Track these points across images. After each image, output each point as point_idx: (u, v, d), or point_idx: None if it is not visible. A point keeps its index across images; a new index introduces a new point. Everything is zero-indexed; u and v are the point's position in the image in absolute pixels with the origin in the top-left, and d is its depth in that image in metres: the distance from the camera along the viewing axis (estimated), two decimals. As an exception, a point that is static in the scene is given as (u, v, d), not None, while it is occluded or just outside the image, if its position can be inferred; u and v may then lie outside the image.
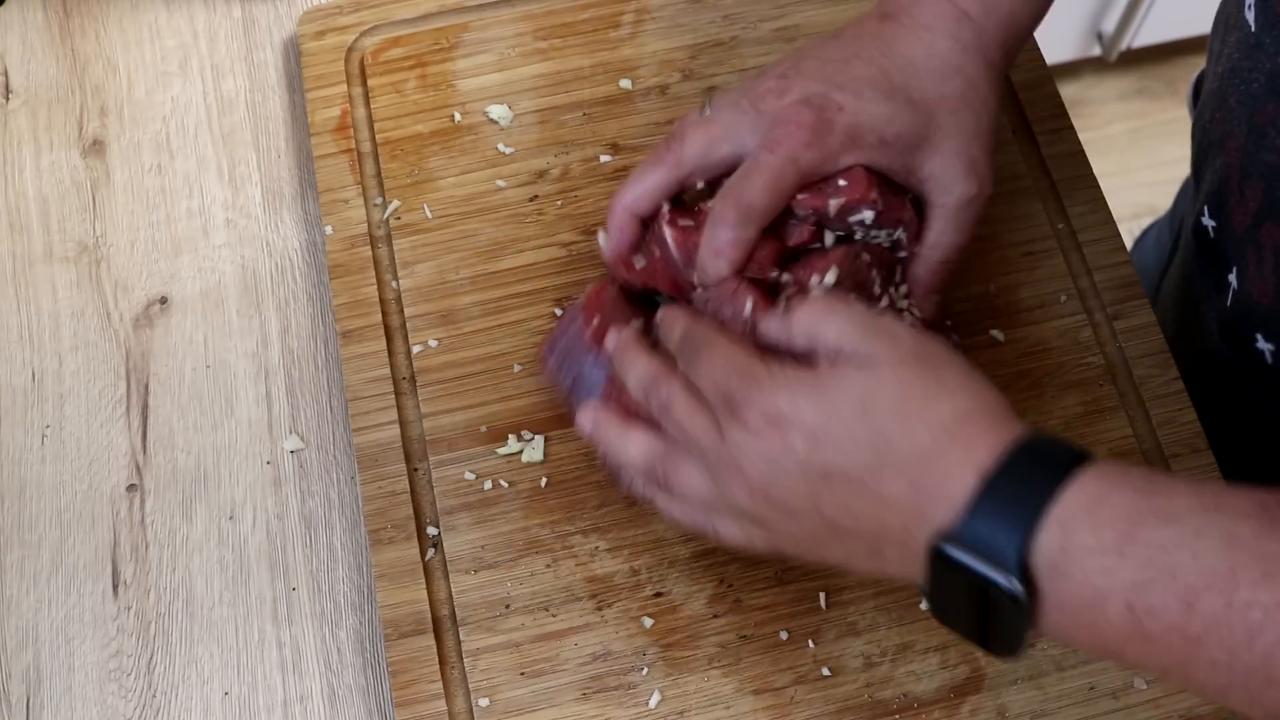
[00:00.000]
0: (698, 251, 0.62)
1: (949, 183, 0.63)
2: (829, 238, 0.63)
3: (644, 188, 0.64)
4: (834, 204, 0.62)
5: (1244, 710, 0.47)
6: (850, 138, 0.61)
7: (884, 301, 0.64)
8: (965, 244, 0.65)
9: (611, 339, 0.63)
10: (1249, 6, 0.65)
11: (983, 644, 0.52)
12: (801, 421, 0.52)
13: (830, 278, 0.61)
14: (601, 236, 0.65)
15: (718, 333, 0.56)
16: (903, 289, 0.65)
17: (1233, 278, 0.69)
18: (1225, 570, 0.45)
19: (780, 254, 0.63)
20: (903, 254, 0.65)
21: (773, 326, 0.57)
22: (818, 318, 0.55)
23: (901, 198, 0.64)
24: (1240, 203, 0.67)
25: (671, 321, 0.59)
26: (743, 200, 0.60)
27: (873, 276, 0.64)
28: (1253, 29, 0.64)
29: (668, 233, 0.64)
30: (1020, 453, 0.49)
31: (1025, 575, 0.48)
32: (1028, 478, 0.49)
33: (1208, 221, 0.72)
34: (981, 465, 0.49)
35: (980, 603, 0.49)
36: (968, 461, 0.50)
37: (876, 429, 0.51)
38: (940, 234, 0.64)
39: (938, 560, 0.50)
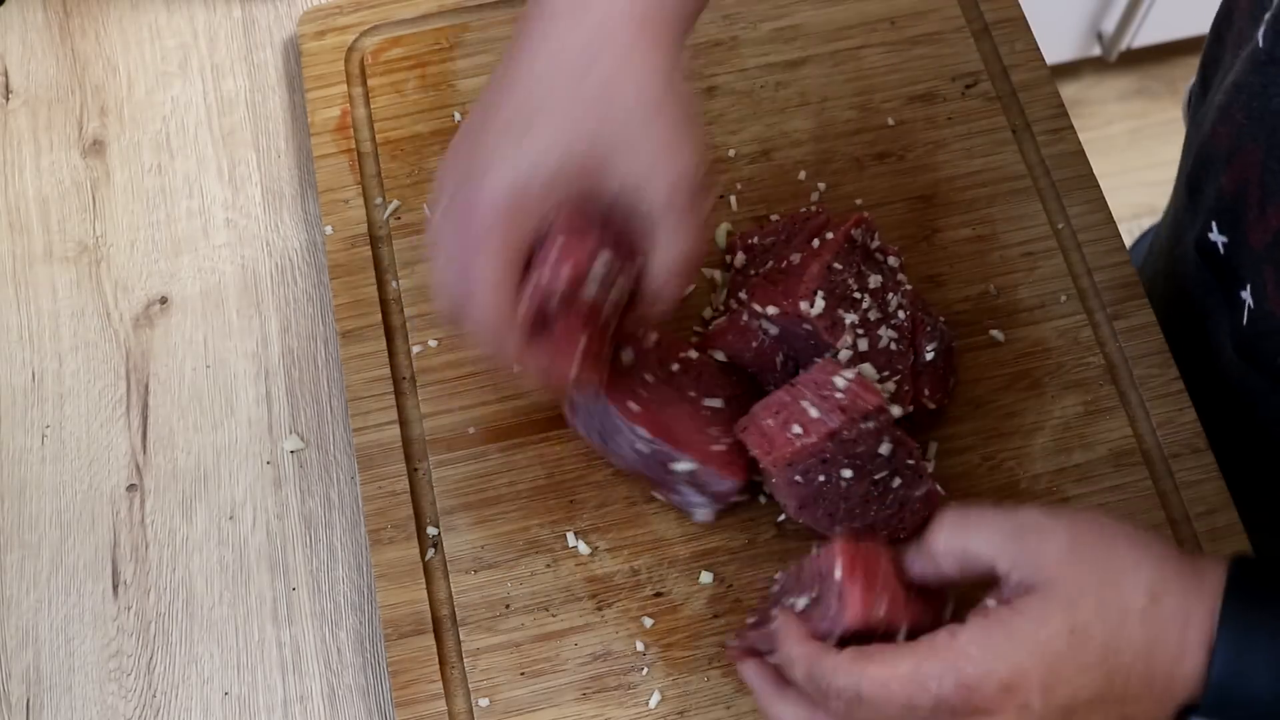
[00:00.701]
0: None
1: (643, 189, 0.55)
2: (818, 305, 0.64)
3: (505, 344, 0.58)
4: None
5: None
6: (517, 202, 0.54)
7: (867, 303, 0.65)
8: (700, 244, 0.57)
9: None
10: (1263, 23, 0.64)
11: None
12: (1028, 679, 0.50)
13: (819, 304, 0.63)
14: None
15: (858, 659, 0.52)
16: (891, 298, 0.66)
17: (1246, 295, 0.69)
18: None
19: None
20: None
21: (916, 562, 0.55)
22: (959, 532, 0.53)
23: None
24: (1260, 220, 0.66)
25: (789, 658, 0.54)
26: (476, 323, 0.56)
27: (851, 285, 0.65)
28: (1262, 44, 0.64)
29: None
30: (1231, 605, 0.49)
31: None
32: (1254, 636, 0.49)
33: (1217, 238, 0.71)
34: (1205, 636, 0.49)
35: None
36: (1188, 634, 0.50)
37: (1095, 649, 0.50)
38: (667, 241, 0.56)
39: None
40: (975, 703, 0.50)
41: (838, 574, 0.54)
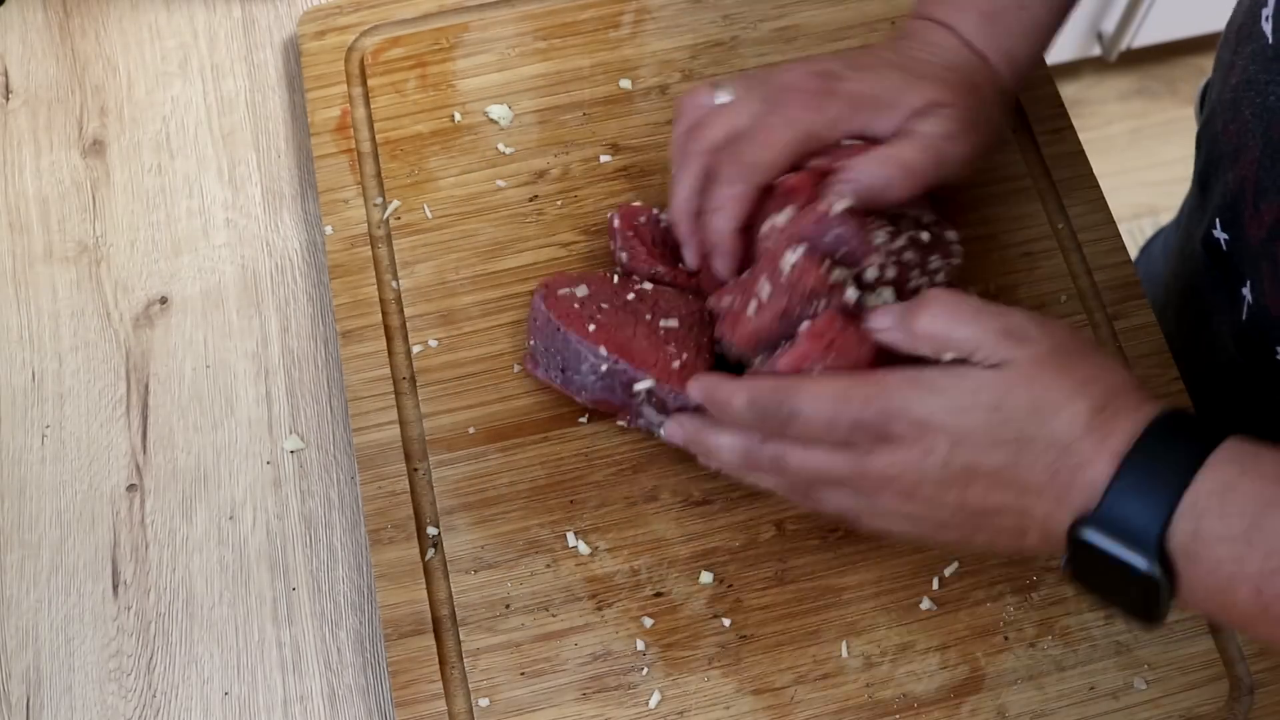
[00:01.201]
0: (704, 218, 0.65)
1: (940, 121, 0.63)
2: (843, 201, 0.63)
3: (684, 190, 0.66)
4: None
5: None
6: (851, 104, 0.63)
7: (902, 242, 0.65)
8: (884, 197, 0.63)
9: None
10: (1266, 19, 0.65)
11: (1124, 614, 0.54)
12: (942, 425, 0.54)
13: (843, 202, 0.63)
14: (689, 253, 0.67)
15: (795, 379, 0.57)
16: (934, 259, 0.66)
17: (1246, 291, 0.69)
18: None
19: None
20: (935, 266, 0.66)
21: (892, 330, 0.57)
22: (946, 320, 0.56)
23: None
24: (1255, 216, 0.67)
25: (726, 391, 0.59)
26: (743, 158, 0.63)
27: (884, 223, 0.65)
28: (1270, 40, 0.64)
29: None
30: (1154, 437, 0.52)
31: (1162, 557, 0.50)
32: (1162, 463, 0.51)
33: (1220, 235, 0.72)
34: (1117, 452, 0.51)
35: (1120, 579, 0.51)
36: (1104, 449, 0.52)
37: (1015, 428, 0.53)
38: (869, 167, 0.63)
39: (1079, 545, 0.52)
40: (888, 430, 0.54)
41: (802, 328, 0.59)
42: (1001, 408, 0.53)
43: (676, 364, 0.65)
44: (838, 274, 0.62)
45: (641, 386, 0.64)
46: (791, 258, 0.61)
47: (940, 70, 0.65)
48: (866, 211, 0.64)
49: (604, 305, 0.67)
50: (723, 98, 0.66)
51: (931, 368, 0.55)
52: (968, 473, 0.54)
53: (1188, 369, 0.73)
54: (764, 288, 0.62)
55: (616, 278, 0.70)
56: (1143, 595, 0.52)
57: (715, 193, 0.64)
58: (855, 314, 0.61)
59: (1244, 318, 0.70)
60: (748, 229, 0.65)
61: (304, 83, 0.79)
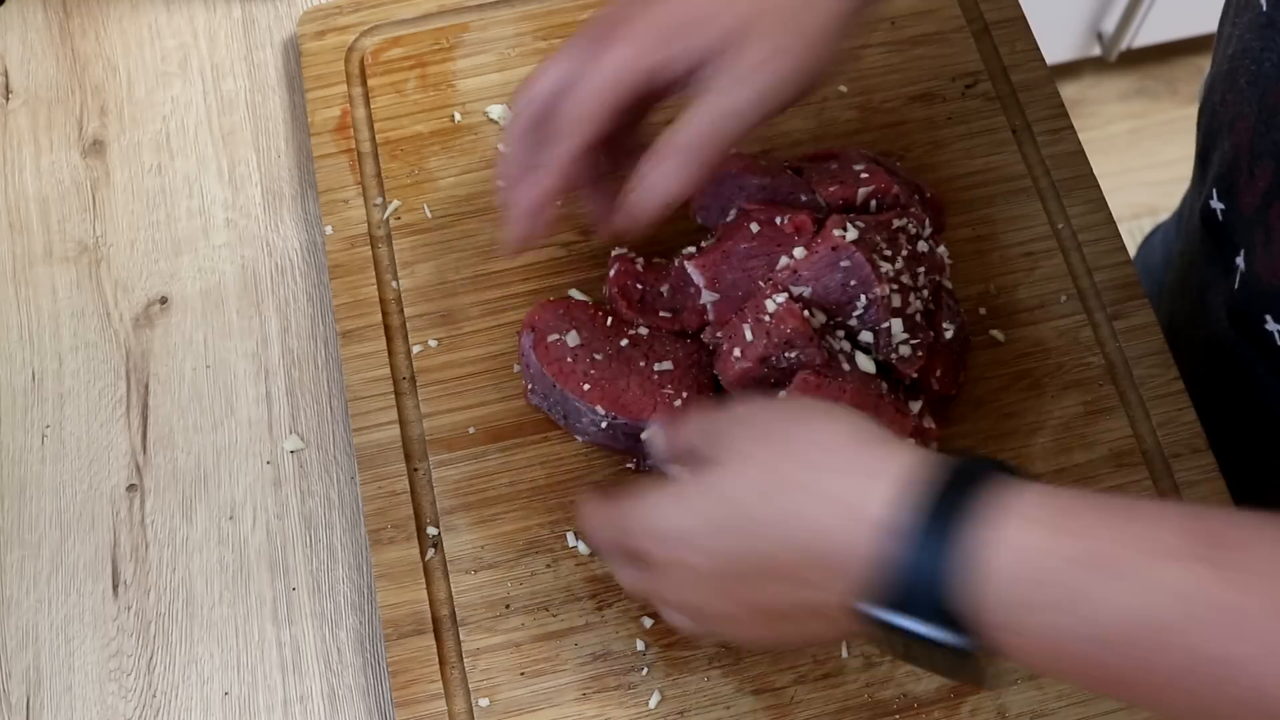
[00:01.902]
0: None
1: (724, 82, 0.58)
2: (851, 231, 0.64)
3: (515, 167, 0.62)
4: (863, 192, 0.66)
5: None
6: (661, 32, 0.58)
7: (899, 264, 0.65)
8: (709, 151, 0.59)
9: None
10: None
11: (954, 677, 0.51)
12: (685, 538, 0.51)
13: (852, 233, 0.64)
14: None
15: (591, 503, 0.57)
16: (920, 271, 0.66)
17: (1240, 260, 0.69)
18: (1181, 625, 0.43)
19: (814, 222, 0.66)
20: (923, 245, 0.67)
21: (655, 453, 0.59)
22: (676, 434, 0.56)
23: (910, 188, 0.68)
24: (1250, 183, 0.66)
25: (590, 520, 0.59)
26: (564, 115, 0.59)
27: (880, 242, 0.65)
28: (1264, 8, 0.64)
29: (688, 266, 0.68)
30: (915, 491, 0.47)
31: (957, 620, 0.46)
32: (933, 532, 0.46)
33: (1216, 205, 0.72)
34: (876, 516, 0.47)
35: (929, 651, 0.48)
36: (860, 514, 0.47)
37: (745, 515, 0.50)
38: (690, 121, 0.58)
39: (865, 619, 0.48)
40: (644, 556, 0.53)
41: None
42: (732, 494, 0.50)
43: (678, 403, 0.65)
44: (819, 319, 0.63)
45: (647, 435, 0.64)
46: (772, 305, 0.63)
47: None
48: (867, 227, 0.65)
49: (596, 356, 0.66)
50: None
51: (673, 486, 0.53)
52: (726, 575, 0.51)
53: (1187, 349, 0.73)
54: (746, 331, 0.63)
55: (609, 318, 0.69)
56: (960, 664, 0.47)
57: (544, 159, 0.60)
58: (835, 366, 0.63)
59: (1236, 287, 0.70)
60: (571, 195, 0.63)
61: (304, 83, 0.79)
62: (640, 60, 0.58)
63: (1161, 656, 0.44)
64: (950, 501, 0.46)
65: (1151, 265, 0.95)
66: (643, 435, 0.64)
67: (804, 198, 0.68)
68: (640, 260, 0.70)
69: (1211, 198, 0.72)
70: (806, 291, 0.65)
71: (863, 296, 0.64)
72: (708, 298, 0.67)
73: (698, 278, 0.68)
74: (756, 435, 0.52)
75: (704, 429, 0.54)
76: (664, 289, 0.69)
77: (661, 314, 0.69)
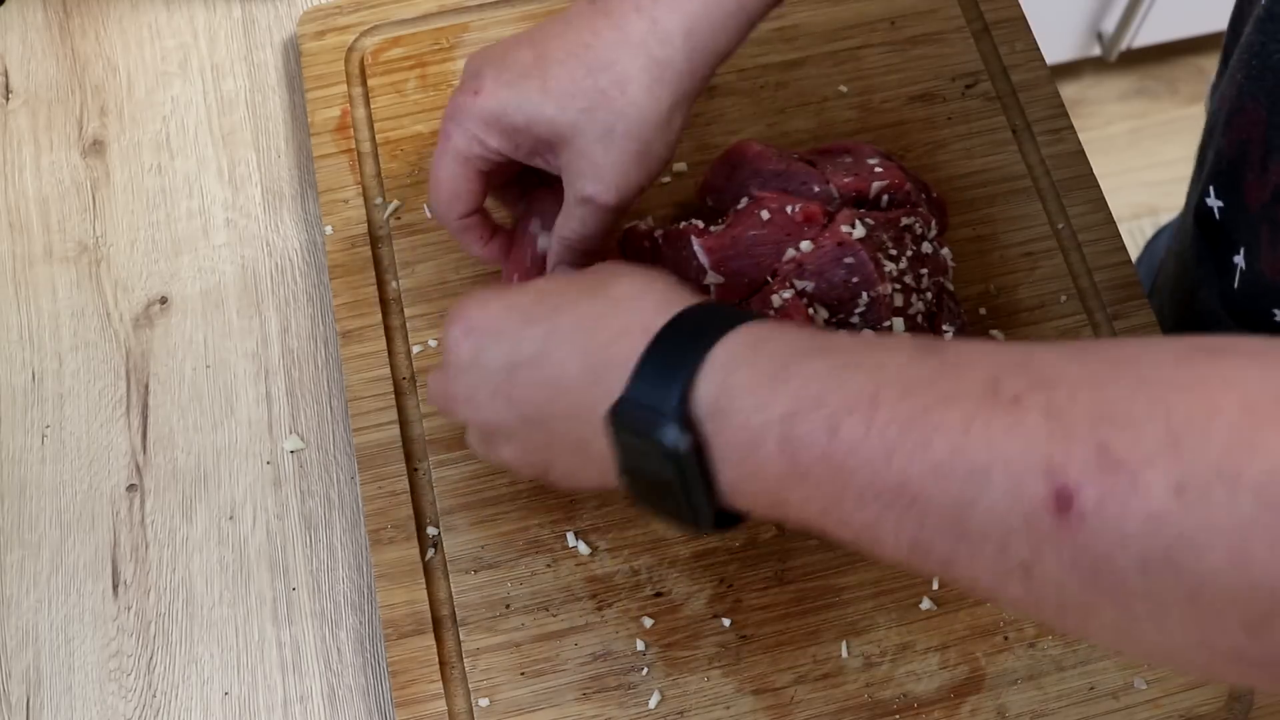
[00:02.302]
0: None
1: (573, 178, 0.61)
2: (859, 229, 0.64)
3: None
4: (876, 186, 0.67)
5: (891, 553, 0.45)
6: (484, 123, 0.61)
7: (903, 264, 0.65)
8: (594, 239, 0.63)
9: None
10: None
11: (681, 519, 0.51)
12: (483, 326, 0.54)
13: (859, 230, 0.64)
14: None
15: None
16: (923, 273, 0.66)
17: (1240, 259, 0.69)
18: (869, 394, 0.44)
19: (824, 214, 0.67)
20: (926, 245, 0.67)
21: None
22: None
23: (919, 189, 0.68)
24: (1260, 179, 0.66)
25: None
26: (433, 206, 0.65)
27: (886, 241, 0.66)
28: (1264, 3, 0.64)
29: (696, 244, 0.68)
30: (687, 316, 0.49)
31: (690, 425, 0.47)
32: (692, 335, 0.48)
33: (1213, 202, 0.71)
34: (649, 331, 0.49)
35: (654, 464, 0.48)
36: (635, 331, 0.49)
37: (546, 316, 0.53)
38: (564, 222, 0.63)
39: (614, 429, 0.49)
40: (447, 342, 0.56)
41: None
42: (543, 293, 0.54)
43: None
44: (821, 315, 0.64)
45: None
46: (778, 300, 0.63)
47: (585, 75, 0.59)
48: (876, 225, 0.65)
49: None
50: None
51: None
52: (509, 369, 0.54)
53: None
54: None
55: None
56: (680, 481, 0.48)
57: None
58: None
59: (1235, 286, 0.70)
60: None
61: (304, 83, 0.79)
62: (472, 150, 0.62)
63: (845, 425, 0.44)
64: (707, 323, 0.49)
65: (1154, 266, 0.95)
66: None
67: (816, 188, 0.69)
68: (659, 233, 0.70)
69: (1208, 195, 0.72)
70: (810, 286, 0.65)
71: (865, 294, 0.64)
72: (712, 279, 0.68)
73: (704, 258, 0.68)
74: (585, 276, 0.55)
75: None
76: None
77: None
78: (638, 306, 0.51)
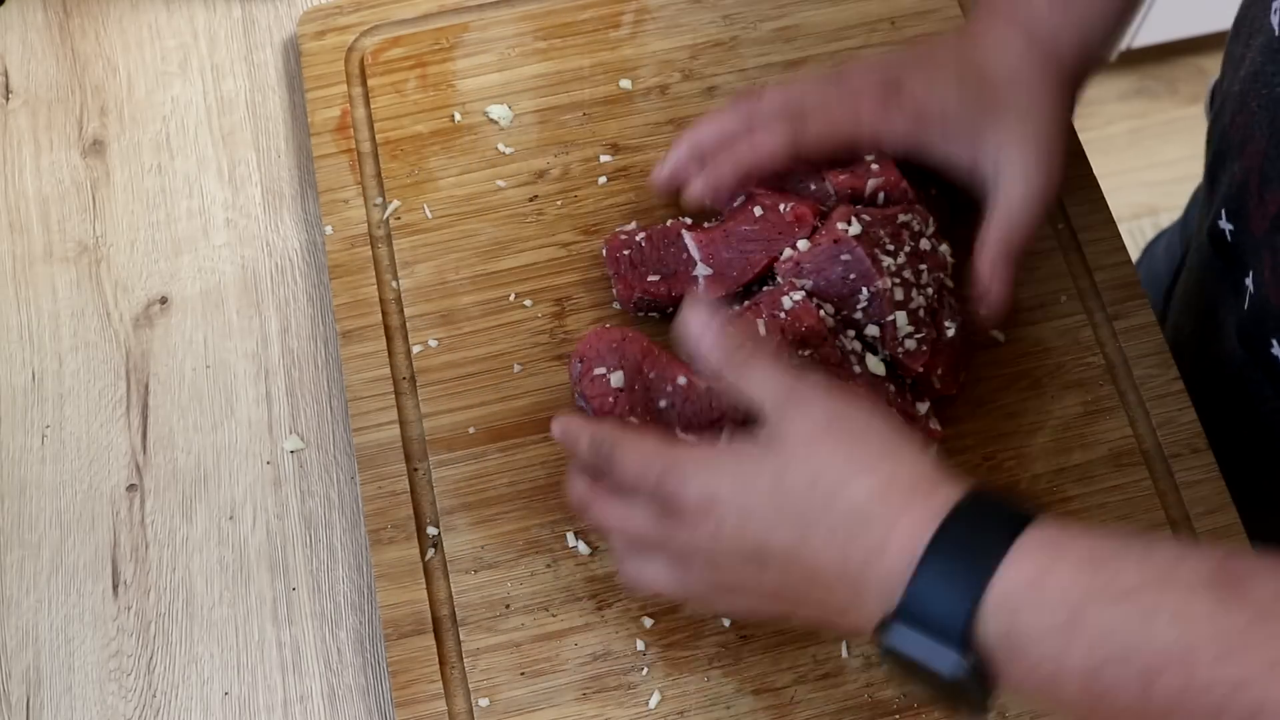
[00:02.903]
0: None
1: (1018, 172, 0.65)
2: (855, 225, 0.65)
3: (712, 124, 0.68)
4: (871, 184, 0.67)
5: None
6: (916, 115, 0.65)
7: (901, 259, 0.65)
8: (1029, 237, 0.66)
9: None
10: (1274, 10, 0.65)
11: (948, 705, 0.51)
12: (726, 502, 0.53)
13: (855, 227, 0.65)
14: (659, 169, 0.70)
15: (623, 430, 0.58)
16: (922, 269, 0.66)
17: (1249, 281, 0.69)
18: (1181, 650, 0.44)
19: (816, 214, 0.67)
20: (925, 243, 0.67)
21: (710, 359, 0.58)
22: (741, 372, 0.56)
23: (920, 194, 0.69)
24: (1259, 206, 0.67)
25: (575, 432, 0.59)
26: (798, 122, 0.65)
27: (884, 237, 0.66)
28: (1277, 33, 0.64)
29: (688, 237, 0.68)
30: (956, 523, 0.49)
31: (977, 650, 0.48)
32: (965, 552, 0.48)
33: (1225, 225, 0.72)
34: (913, 542, 0.49)
35: (933, 677, 0.49)
36: (898, 537, 0.49)
37: (797, 504, 0.51)
38: (1004, 221, 0.65)
39: (884, 644, 0.49)
40: (677, 505, 0.54)
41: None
42: (781, 483, 0.52)
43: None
44: (830, 316, 0.64)
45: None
46: (789, 302, 0.63)
47: (1005, 88, 0.66)
48: (872, 221, 0.65)
49: (633, 419, 0.64)
50: None
51: (723, 445, 0.55)
52: (760, 551, 0.52)
53: (1194, 365, 0.72)
54: (760, 326, 0.63)
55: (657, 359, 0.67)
56: (960, 692, 0.49)
57: (756, 135, 0.66)
58: (846, 367, 0.63)
59: (1245, 308, 0.70)
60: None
61: (304, 83, 0.79)
62: (889, 134, 0.67)
63: (1159, 682, 0.45)
64: (982, 534, 0.49)
65: (1156, 273, 0.95)
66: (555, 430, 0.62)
67: (813, 186, 0.69)
68: (641, 235, 0.70)
69: (1220, 218, 0.72)
70: (809, 284, 0.65)
71: (864, 290, 0.64)
72: (702, 270, 0.68)
73: (695, 250, 0.69)
74: (821, 424, 0.53)
75: (768, 395, 0.54)
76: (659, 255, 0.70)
77: (650, 278, 0.69)
78: (888, 518, 0.50)
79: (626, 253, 0.70)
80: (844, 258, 0.64)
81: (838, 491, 0.51)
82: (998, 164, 0.66)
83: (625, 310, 0.71)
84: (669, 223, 0.71)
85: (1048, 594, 0.47)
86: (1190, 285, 0.82)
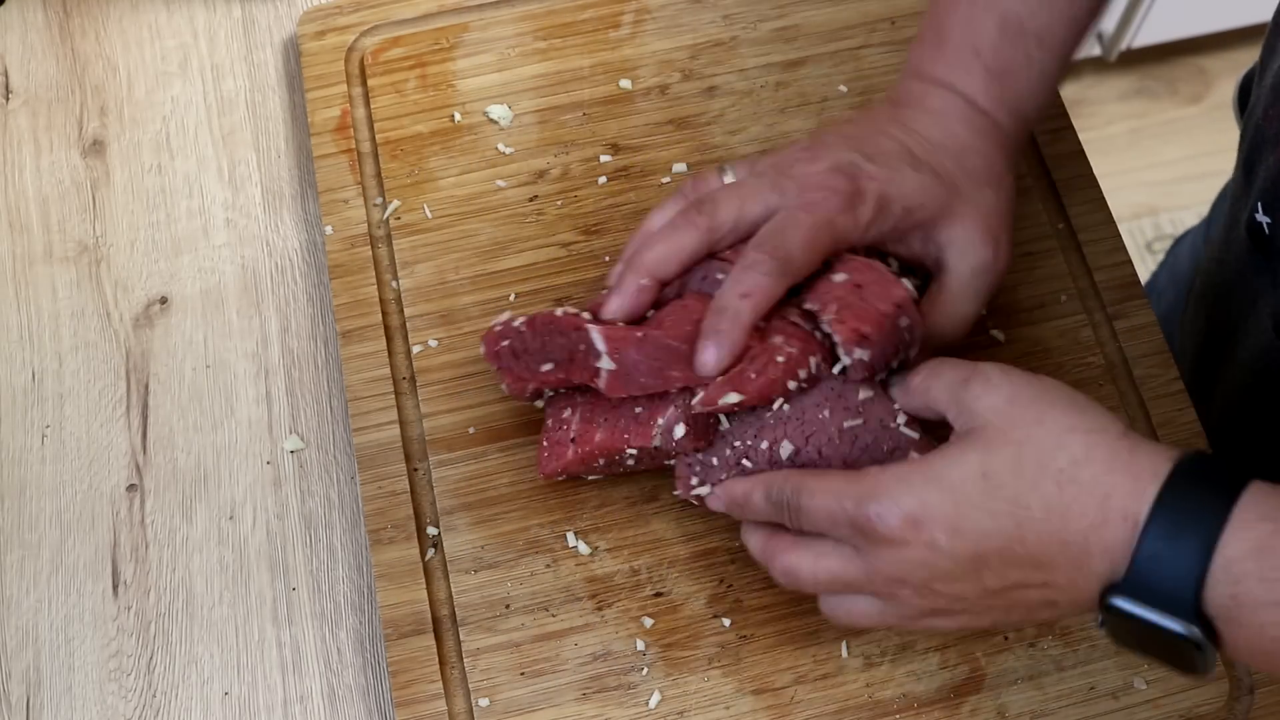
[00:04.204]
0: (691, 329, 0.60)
1: (968, 248, 0.63)
2: (907, 282, 0.62)
3: (672, 249, 0.61)
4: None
5: None
6: (879, 206, 0.61)
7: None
8: (976, 316, 0.64)
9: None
10: None
11: (1169, 668, 0.53)
12: (935, 515, 0.52)
13: (909, 284, 0.62)
14: (613, 303, 0.62)
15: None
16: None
17: None
18: None
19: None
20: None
21: (900, 396, 0.58)
22: (925, 381, 0.56)
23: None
24: None
25: (743, 492, 0.58)
26: (781, 251, 0.59)
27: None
28: None
29: (595, 332, 0.61)
30: (1172, 491, 0.50)
31: (1201, 618, 0.49)
32: (1187, 523, 0.49)
33: (1262, 218, 0.71)
34: (1131, 512, 0.50)
35: (1158, 640, 0.50)
36: (1115, 505, 0.50)
37: (1007, 491, 0.51)
38: (954, 302, 0.63)
39: (1111, 610, 0.50)
40: (882, 532, 0.52)
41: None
42: (988, 471, 0.52)
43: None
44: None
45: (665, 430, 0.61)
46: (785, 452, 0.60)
47: (953, 159, 0.63)
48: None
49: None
50: (730, 178, 0.65)
51: (915, 462, 0.54)
52: (976, 559, 0.52)
53: (1226, 360, 0.72)
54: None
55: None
56: (1184, 653, 0.50)
57: (743, 278, 0.59)
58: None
59: None
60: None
61: (304, 83, 0.79)
62: (859, 233, 0.61)
63: None
64: (1200, 503, 0.49)
65: (1179, 274, 0.94)
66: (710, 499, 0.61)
67: (719, 276, 0.63)
68: (518, 321, 0.63)
69: (1257, 211, 0.72)
70: (866, 356, 0.59)
71: (910, 354, 0.61)
72: (605, 364, 0.61)
73: (601, 344, 0.61)
74: (1011, 414, 0.53)
75: (949, 389, 0.54)
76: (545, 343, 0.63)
77: (544, 367, 0.63)
78: (1101, 481, 0.51)
79: (506, 343, 0.63)
80: (904, 323, 0.60)
81: (1045, 463, 0.51)
82: (949, 239, 0.63)
83: (518, 400, 0.66)
84: (560, 313, 0.62)
85: (1270, 565, 0.48)
86: (1227, 279, 0.81)
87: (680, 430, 0.60)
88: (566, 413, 0.64)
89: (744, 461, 0.60)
